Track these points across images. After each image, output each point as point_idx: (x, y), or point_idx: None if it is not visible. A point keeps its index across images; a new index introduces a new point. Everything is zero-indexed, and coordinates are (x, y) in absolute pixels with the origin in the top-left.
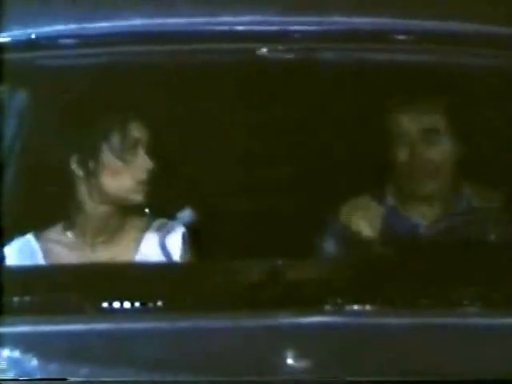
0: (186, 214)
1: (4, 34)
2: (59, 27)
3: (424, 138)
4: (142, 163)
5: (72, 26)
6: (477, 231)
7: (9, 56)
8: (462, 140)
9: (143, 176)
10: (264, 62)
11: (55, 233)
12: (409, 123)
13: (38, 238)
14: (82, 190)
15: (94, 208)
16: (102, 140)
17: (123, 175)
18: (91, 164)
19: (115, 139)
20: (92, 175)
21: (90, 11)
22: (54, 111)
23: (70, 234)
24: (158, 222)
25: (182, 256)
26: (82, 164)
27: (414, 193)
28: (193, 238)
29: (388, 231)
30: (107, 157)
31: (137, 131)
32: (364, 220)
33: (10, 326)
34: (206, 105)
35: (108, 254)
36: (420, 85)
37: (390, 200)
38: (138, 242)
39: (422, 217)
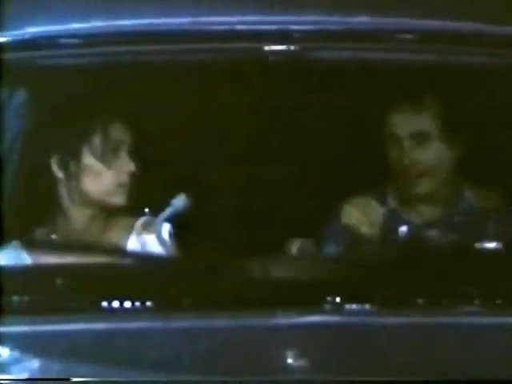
0: (180, 200)
1: (4, 34)
2: (59, 27)
3: (413, 139)
4: (124, 165)
5: (72, 26)
6: (477, 231)
7: (9, 55)
8: (461, 140)
9: (124, 178)
10: (264, 61)
11: (40, 237)
12: (400, 124)
13: (23, 243)
14: (63, 193)
15: (76, 211)
16: (83, 141)
17: (104, 177)
18: (72, 165)
19: (96, 141)
20: (72, 177)
21: (91, 10)
22: (52, 111)
23: (54, 238)
24: (142, 220)
25: (167, 248)
26: (63, 165)
27: (409, 193)
28: (182, 232)
29: (388, 232)
30: (88, 158)
31: (119, 133)
32: (364, 219)
33: (9, 326)
34: (205, 103)
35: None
36: (416, 85)
37: (391, 201)
38: (125, 242)
39: (422, 218)
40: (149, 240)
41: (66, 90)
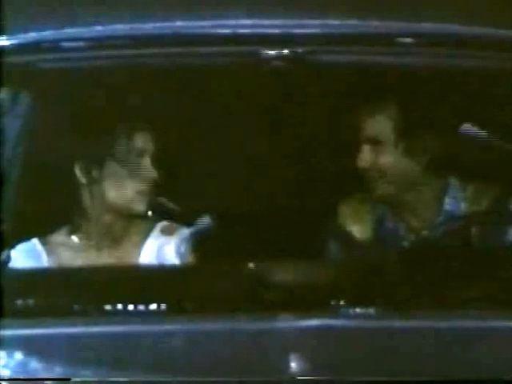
0: (205, 221)
1: (7, 37)
2: (62, 30)
3: (369, 144)
4: (146, 173)
5: (75, 29)
6: (464, 236)
7: (11, 59)
8: (454, 141)
9: (146, 186)
10: (267, 65)
11: (60, 236)
12: (362, 128)
13: (42, 241)
14: (85, 196)
15: (97, 214)
16: (107, 149)
17: (125, 185)
18: (95, 172)
19: (120, 149)
20: (95, 183)
21: (93, 14)
22: (57, 115)
23: (75, 238)
24: (161, 225)
25: (183, 259)
26: (86, 172)
27: (373, 195)
28: (198, 241)
29: (381, 233)
30: (111, 166)
31: (143, 141)
32: (356, 220)
33: (12, 329)
34: (207, 107)
35: (113, 258)
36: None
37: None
38: (142, 245)
39: (409, 225)
40: (166, 246)
41: (69, 93)
